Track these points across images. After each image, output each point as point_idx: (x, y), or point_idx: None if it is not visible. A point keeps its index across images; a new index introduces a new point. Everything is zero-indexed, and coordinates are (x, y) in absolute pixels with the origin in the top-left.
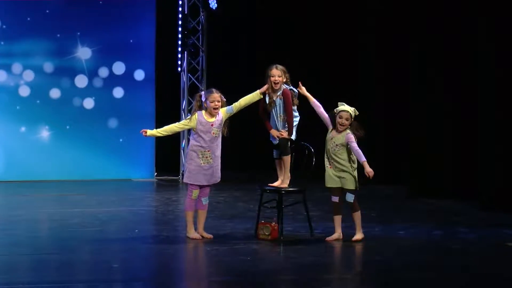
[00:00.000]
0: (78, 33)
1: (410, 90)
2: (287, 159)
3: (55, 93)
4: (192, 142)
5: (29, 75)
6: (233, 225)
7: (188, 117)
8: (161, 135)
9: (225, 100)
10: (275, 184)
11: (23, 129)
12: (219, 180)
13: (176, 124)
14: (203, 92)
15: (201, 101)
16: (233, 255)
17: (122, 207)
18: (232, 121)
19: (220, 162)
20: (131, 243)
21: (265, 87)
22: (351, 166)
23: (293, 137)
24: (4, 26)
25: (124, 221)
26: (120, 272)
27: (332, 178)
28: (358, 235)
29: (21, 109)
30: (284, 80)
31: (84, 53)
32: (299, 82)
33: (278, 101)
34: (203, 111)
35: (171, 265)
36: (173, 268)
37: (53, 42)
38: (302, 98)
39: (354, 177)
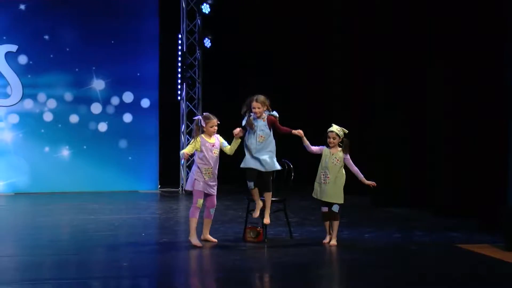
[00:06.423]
0: (94, 68)
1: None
2: (269, 195)
3: (74, 118)
4: (197, 160)
5: (52, 103)
6: (225, 229)
7: (191, 141)
8: (188, 155)
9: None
10: (256, 215)
11: (47, 149)
12: (215, 192)
13: (188, 148)
14: (200, 118)
15: (202, 126)
16: (224, 255)
17: (130, 214)
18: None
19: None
20: (138, 245)
21: (237, 130)
22: (343, 181)
23: (278, 167)
24: (31, 62)
25: (133, 226)
26: (129, 270)
27: (326, 193)
28: (334, 241)
29: (45, 132)
30: (265, 109)
31: (98, 84)
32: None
33: (260, 122)
34: (203, 134)
35: (171, 263)
36: (173, 266)
37: (72, 75)
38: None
39: (342, 191)
